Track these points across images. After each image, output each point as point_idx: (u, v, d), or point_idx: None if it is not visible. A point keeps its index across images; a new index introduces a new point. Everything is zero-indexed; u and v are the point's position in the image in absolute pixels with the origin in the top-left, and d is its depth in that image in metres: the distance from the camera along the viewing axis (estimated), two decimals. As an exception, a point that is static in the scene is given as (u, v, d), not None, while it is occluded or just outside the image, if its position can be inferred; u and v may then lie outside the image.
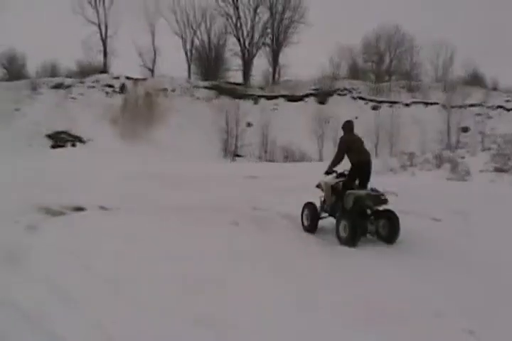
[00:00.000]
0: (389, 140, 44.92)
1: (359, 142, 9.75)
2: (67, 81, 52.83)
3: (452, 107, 47.51)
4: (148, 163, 25.25)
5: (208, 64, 60.39)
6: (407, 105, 52.33)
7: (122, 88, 52.00)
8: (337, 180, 9.58)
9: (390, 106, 51.37)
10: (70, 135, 45.36)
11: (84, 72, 56.22)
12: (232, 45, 60.49)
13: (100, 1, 57.15)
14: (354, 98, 54.17)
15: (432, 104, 51.91)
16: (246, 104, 50.77)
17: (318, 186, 10.10)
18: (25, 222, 8.68)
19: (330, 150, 43.27)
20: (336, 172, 9.71)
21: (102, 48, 57.90)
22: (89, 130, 44.88)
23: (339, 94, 54.49)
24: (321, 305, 5.13)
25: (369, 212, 8.92)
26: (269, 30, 60.19)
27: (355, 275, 6.38)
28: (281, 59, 60.38)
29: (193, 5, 59.95)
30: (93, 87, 51.76)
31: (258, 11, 59.66)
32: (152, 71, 59.67)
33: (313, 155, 42.52)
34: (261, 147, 46.32)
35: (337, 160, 9.49)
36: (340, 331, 4.58)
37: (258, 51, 60.53)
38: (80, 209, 10.45)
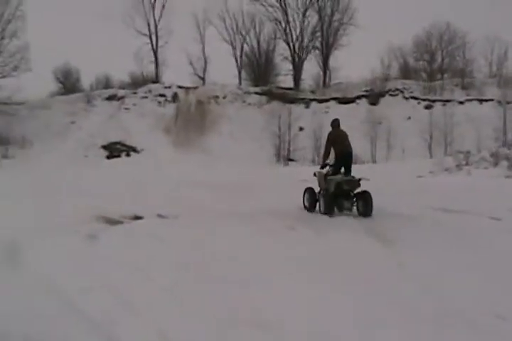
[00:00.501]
0: (443, 139, 44.14)
1: (343, 136, 11.93)
2: (121, 92, 53.89)
3: (508, 103, 46.24)
4: (203, 170, 25.51)
5: (258, 69, 60.55)
6: (461, 103, 51.20)
7: (174, 97, 52.63)
8: (329, 170, 11.94)
9: (444, 105, 50.43)
10: (124, 145, 46.21)
11: (136, 82, 57.20)
12: (281, 49, 60.45)
13: (150, 12, 58.16)
14: (406, 98, 53.39)
15: (486, 100, 50.62)
16: (297, 108, 50.69)
17: (315, 174, 12.53)
18: (85, 231, 8.89)
19: (383, 152, 42.99)
20: (328, 164, 11.99)
21: (153, 59, 58.82)
22: (143, 140, 45.57)
23: (391, 95, 53.81)
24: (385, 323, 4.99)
25: (352, 194, 11.36)
26: (318, 34, 59.78)
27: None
28: (332, 61, 60.07)
29: (241, 11, 59.92)
30: (146, 97, 52.57)
31: (307, 14, 59.41)
32: (203, 79, 60.24)
33: (365, 157, 42.14)
34: (313, 151, 46.12)
35: (326, 153, 11.94)
36: None
37: (308, 55, 60.27)
38: (138, 217, 10.65)
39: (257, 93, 54.60)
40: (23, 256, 7.03)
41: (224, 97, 53.56)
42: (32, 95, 48.87)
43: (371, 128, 45.20)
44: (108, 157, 44.88)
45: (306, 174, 22.34)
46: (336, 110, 50.77)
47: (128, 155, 45.31)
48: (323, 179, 11.83)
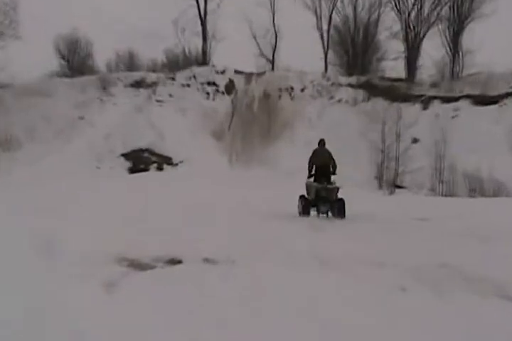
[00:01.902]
0: None
1: (324, 152, 20.56)
2: (151, 76, 54.54)
3: None
4: (268, 192, 25.64)
5: (353, 51, 60.25)
6: None
7: (229, 87, 52.93)
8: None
9: None
10: (154, 154, 46.36)
11: (174, 64, 57.75)
12: (389, 22, 59.92)
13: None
14: None
15: None
16: (411, 110, 49.84)
17: (306, 185, 20.32)
18: (101, 276, 9.02)
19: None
20: (313, 175, 20.24)
21: (199, 29, 58.88)
22: (182, 147, 45.64)
23: (555, 93, 52.77)
24: None
25: (329, 200, 19.13)
26: (445, -1, 58.71)
27: None
28: (465, 41, 59.04)
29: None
30: (188, 85, 52.98)
31: (430, -30, 58.47)
32: (272, 62, 60.44)
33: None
34: (433, 174, 45.34)
35: (309, 166, 20.44)
36: None
37: (429, 30, 59.24)
38: (175, 261, 10.70)
39: (351, 85, 54.28)
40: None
41: (302, 90, 53.51)
42: (23, 76, 49.80)
43: (523, 140, 44.39)
44: (131, 170, 45.12)
45: (424, 208, 22.32)
46: (470, 114, 49.33)
47: (160, 168, 45.47)
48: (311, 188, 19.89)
